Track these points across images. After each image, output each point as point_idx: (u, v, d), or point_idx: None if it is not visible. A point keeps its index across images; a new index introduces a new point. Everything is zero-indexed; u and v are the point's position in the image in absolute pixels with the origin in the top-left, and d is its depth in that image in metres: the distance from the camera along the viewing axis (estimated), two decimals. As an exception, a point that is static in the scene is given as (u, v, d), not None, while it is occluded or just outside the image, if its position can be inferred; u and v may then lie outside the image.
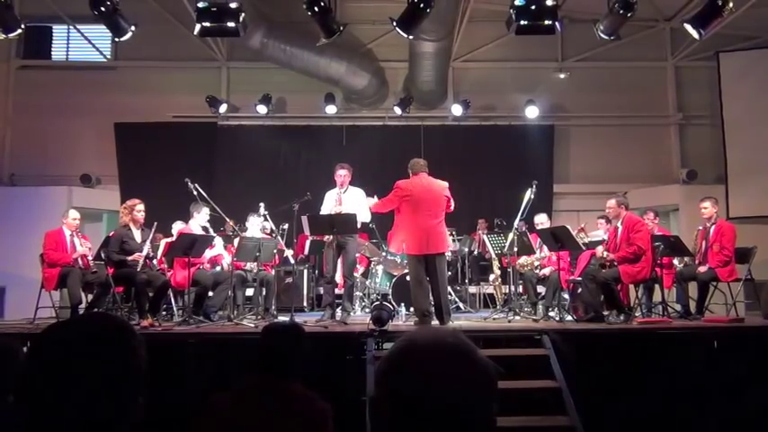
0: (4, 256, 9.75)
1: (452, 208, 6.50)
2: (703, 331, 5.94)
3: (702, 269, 7.00)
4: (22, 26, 7.66)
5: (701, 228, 7.39)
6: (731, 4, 7.34)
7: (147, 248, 6.74)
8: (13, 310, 9.12)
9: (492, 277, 8.93)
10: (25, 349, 2.22)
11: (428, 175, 6.44)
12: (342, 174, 7.11)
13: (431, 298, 6.28)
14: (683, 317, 6.86)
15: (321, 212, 7.02)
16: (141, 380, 1.23)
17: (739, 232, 7.25)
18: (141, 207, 6.79)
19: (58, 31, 12.21)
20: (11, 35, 7.61)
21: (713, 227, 7.14)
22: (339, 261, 7.12)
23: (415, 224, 6.20)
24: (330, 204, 7.09)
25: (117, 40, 8.13)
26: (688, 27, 7.66)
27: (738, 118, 10.99)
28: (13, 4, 7.61)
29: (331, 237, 6.86)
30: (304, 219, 6.79)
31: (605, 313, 6.56)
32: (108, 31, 8.07)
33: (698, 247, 7.28)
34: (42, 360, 1.18)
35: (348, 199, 7.05)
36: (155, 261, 7.09)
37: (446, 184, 6.47)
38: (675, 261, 7.58)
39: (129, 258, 6.65)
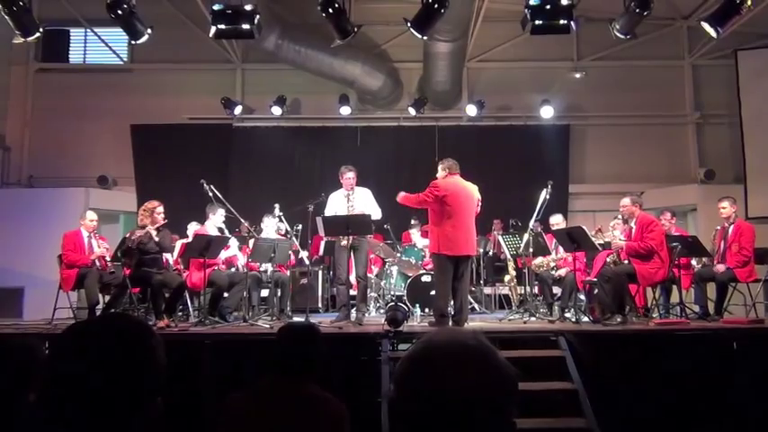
0: (23, 257, 9.86)
1: (479, 209, 6.50)
2: (722, 333, 5.88)
3: (720, 267, 6.94)
4: (41, 30, 7.75)
5: (718, 228, 7.33)
6: (749, 2, 7.26)
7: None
8: (31, 311, 9.23)
9: (507, 278, 8.89)
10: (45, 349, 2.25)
11: (460, 177, 6.45)
12: (350, 176, 7.07)
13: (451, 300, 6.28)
14: (701, 318, 6.80)
15: (326, 215, 6.99)
16: (160, 379, 1.24)
17: (758, 232, 7.17)
18: (161, 209, 6.83)
19: (76, 34, 12.33)
20: (29, 39, 7.70)
21: (732, 227, 7.06)
22: (351, 262, 7.12)
23: (452, 225, 6.17)
24: (336, 207, 7.06)
25: (133, 42, 8.20)
26: (705, 25, 7.59)
27: (757, 116, 10.85)
28: (31, 8, 7.69)
29: (344, 238, 6.85)
30: (319, 220, 6.80)
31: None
32: (124, 33, 8.14)
33: (716, 247, 7.21)
34: (63, 360, 1.19)
35: (358, 201, 7.04)
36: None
37: (476, 186, 6.48)
38: (693, 262, 7.51)
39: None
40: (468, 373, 1.01)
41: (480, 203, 6.46)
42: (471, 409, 0.99)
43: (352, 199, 7.02)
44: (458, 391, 0.99)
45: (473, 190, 6.42)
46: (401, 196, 6.57)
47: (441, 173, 6.44)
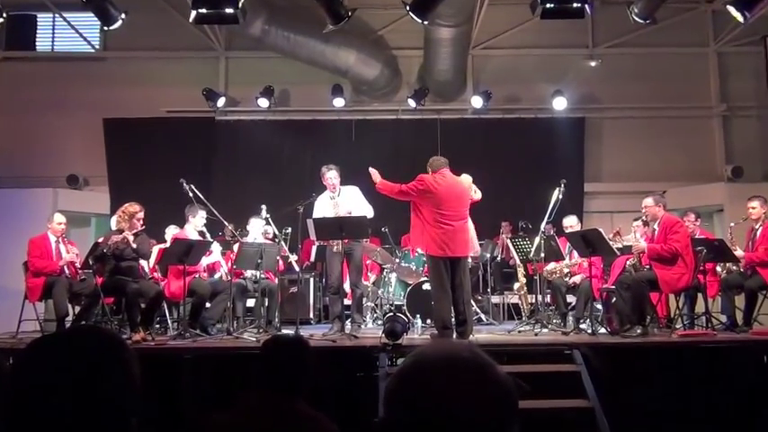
0: (-15, 265, 9.84)
1: (479, 197, 6.50)
2: (752, 345, 5.90)
3: (739, 252, 6.99)
4: (4, 15, 7.76)
5: (732, 224, 7.44)
6: (780, -16, 7.29)
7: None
8: (-6, 323, 9.21)
9: (517, 286, 8.90)
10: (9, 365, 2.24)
11: (450, 172, 6.46)
12: (331, 177, 7.05)
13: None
14: (728, 329, 6.81)
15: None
16: (135, 398, 1.24)
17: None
18: (141, 215, 6.82)
19: (43, 19, 12.33)
20: (-8, 25, 7.71)
21: (761, 228, 7.08)
22: (345, 269, 7.12)
23: (437, 224, 6.20)
24: (323, 213, 7.03)
25: (106, 28, 8.21)
26: (731, 9, 7.61)
27: (789, 108, 10.90)
28: (-7, -8, 7.70)
29: (337, 243, 6.84)
30: (309, 222, 6.80)
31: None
32: (96, 19, 8.15)
33: (744, 245, 7.24)
34: (28, 378, 1.19)
35: (344, 201, 7.02)
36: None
37: (470, 178, 6.48)
38: (718, 268, 7.52)
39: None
40: (462, 389, 1.01)
41: (473, 188, 6.46)
42: (467, 428, 0.99)
43: (339, 202, 7.00)
44: (452, 408, 1.00)
45: (465, 182, 6.44)
46: (380, 182, 6.53)
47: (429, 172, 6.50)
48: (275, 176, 11.30)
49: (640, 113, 11.84)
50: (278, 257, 7.65)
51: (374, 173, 6.60)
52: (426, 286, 8.00)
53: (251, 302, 8.13)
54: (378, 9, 11.54)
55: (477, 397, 1.01)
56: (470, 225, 6.57)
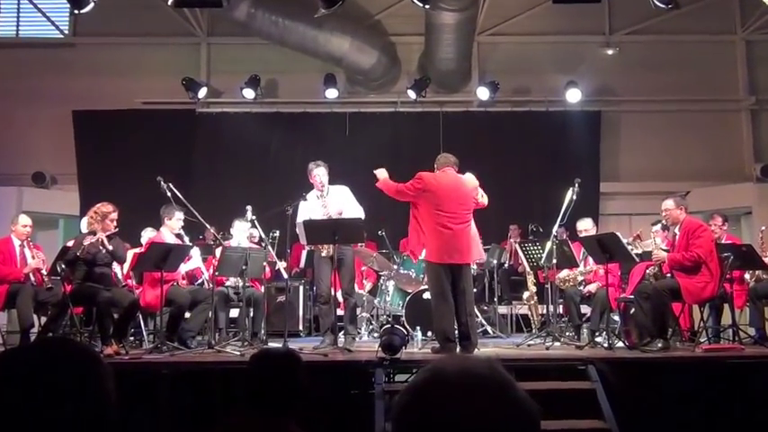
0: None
1: (486, 202, 6.52)
2: (783, 360, 5.90)
3: None
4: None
5: (763, 227, 7.49)
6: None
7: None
8: (-48, 335, 9.18)
9: (526, 295, 8.90)
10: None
11: (456, 172, 6.48)
12: (320, 174, 7.03)
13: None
14: (757, 343, 6.82)
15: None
16: (109, 417, 1.24)
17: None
18: (115, 216, 6.78)
19: (6, 2, 12.32)
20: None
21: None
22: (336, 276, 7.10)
23: (436, 227, 6.21)
24: (311, 213, 7.01)
25: (76, 12, 8.19)
26: (761, -7, 7.64)
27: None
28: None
29: (326, 247, 6.83)
30: (300, 225, 6.80)
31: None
32: (65, 1, 8.14)
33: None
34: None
35: (333, 201, 7.02)
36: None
37: (476, 181, 6.49)
38: (746, 276, 7.54)
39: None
40: (481, 409, 1.01)
41: (480, 192, 6.47)
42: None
43: (328, 202, 6.98)
44: (468, 429, 0.99)
45: (468, 183, 6.45)
46: (382, 180, 6.60)
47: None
48: (262, 174, 11.31)
49: (661, 107, 11.87)
50: (264, 263, 7.63)
51: (380, 172, 6.67)
52: (427, 295, 7.98)
53: (234, 313, 8.11)
54: (375, -9, 11.58)
55: (496, 417, 1.01)
56: (474, 229, 6.57)
